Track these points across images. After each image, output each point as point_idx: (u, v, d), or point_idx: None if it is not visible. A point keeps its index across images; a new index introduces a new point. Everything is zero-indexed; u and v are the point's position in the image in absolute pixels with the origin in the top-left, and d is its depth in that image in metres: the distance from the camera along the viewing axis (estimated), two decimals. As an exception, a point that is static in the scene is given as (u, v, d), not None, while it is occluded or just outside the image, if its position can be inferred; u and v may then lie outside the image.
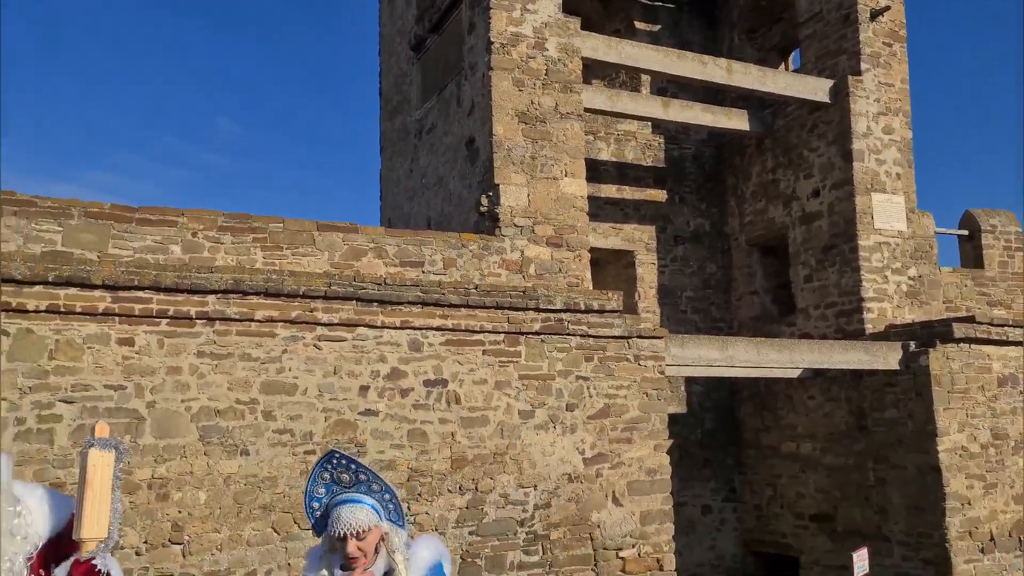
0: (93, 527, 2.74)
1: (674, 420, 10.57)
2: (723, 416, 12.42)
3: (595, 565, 8.03)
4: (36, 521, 2.81)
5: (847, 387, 10.83)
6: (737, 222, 12.87)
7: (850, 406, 10.81)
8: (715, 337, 10.16)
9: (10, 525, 2.71)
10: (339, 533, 2.72)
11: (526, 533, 7.73)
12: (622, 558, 8.16)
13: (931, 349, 9.99)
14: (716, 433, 12.30)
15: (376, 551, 2.77)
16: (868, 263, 11.03)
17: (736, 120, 11.98)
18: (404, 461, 7.33)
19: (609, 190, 12.17)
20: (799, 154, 11.91)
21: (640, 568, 8.23)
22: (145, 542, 6.26)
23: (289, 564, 6.74)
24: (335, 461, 2.81)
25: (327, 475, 2.82)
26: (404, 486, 7.28)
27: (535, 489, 7.86)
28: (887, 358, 10.19)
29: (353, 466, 2.80)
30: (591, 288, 9.29)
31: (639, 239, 12.33)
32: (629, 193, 12.34)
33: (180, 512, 6.42)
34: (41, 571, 2.79)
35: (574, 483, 8.08)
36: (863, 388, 10.64)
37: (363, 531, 2.73)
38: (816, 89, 11.53)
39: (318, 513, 2.85)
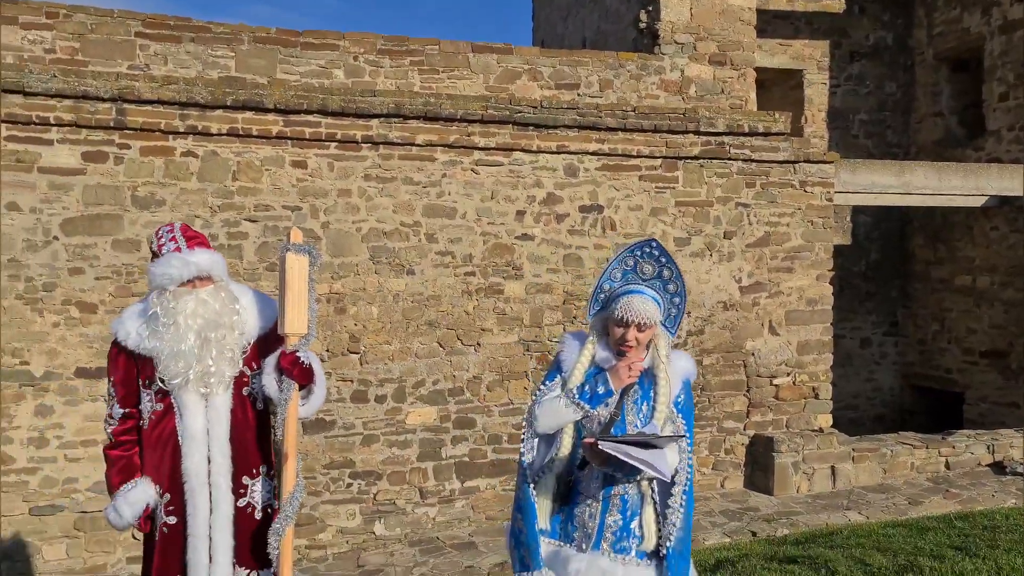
0: (295, 323, 2.99)
1: (838, 251, 10.11)
2: (890, 248, 11.77)
3: (748, 391, 8.09)
4: (249, 320, 3.12)
5: (1039, 217, 9.91)
6: (924, 34, 11.53)
7: (1040, 238, 9.93)
8: (891, 162, 9.43)
9: (232, 320, 3.03)
10: (626, 319, 2.74)
11: (679, 357, 7.83)
12: (776, 385, 8.16)
13: None
14: (881, 265, 11.72)
15: (647, 347, 2.82)
16: (1081, 77, 9.71)
17: (934, -88, 10.45)
18: (560, 285, 7.49)
19: (779, 1, 11.13)
20: (1008, -50, 10.33)
21: (794, 395, 8.22)
22: (327, 350, 6.85)
23: (454, 376, 7.21)
24: (648, 250, 2.80)
25: (631, 261, 2.82)
26: (559, 308, 7.48)
27: (688, 316, 7.87)
28: (1092, 185, 9.17)
29: (664, 259, 2.78)
30: (755, 110, 8.74)
31: (810, 56, 11.35)
32: (801, 4, 11.23)
33: (356, 325, 6.93)
34: (253, 363, 3.12)
35: (729, 311, 8.02)
36: (1058, 219, 9.70)
37: (645, 324, 2.75)
38: None
39: (601, 296, 2.86)
